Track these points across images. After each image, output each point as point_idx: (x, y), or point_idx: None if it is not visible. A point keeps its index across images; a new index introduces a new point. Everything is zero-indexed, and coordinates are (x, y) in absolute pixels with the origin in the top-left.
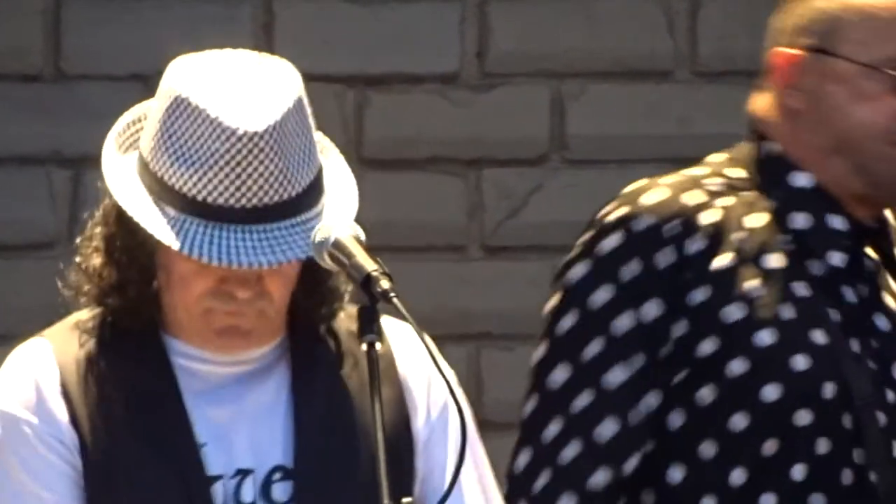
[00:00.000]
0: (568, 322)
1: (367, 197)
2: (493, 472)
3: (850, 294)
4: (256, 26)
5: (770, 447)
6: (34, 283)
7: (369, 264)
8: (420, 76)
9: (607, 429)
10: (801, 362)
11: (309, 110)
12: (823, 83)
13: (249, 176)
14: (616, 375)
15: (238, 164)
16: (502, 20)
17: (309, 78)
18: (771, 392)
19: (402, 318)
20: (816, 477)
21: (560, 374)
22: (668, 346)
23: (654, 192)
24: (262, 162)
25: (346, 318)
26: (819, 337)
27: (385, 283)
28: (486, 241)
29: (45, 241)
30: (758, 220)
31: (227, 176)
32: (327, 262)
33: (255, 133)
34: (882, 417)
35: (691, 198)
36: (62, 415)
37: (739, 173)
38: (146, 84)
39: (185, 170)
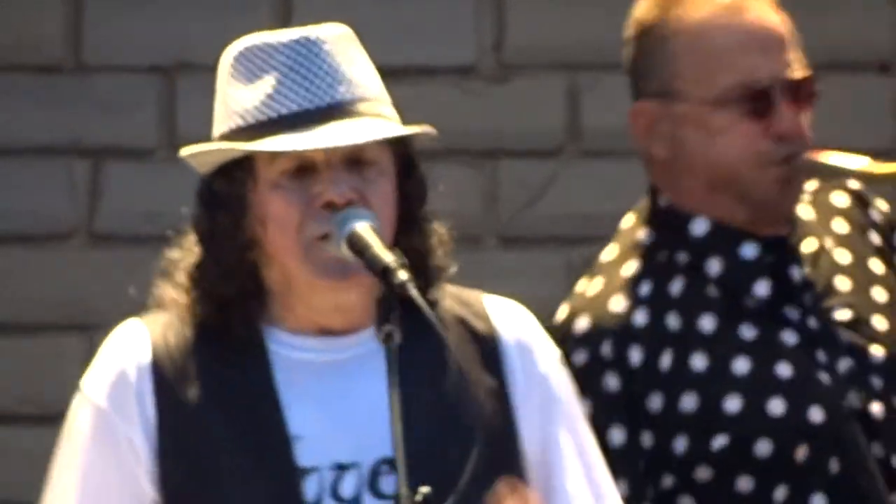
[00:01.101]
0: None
1: None
2: None
3: (792, 312)
4: (275, 17)
5: (781, 493)
6: (52, 272)
7: (386, 256)
8: (436, 68)
9: None
10: (776, 407)
11: (360, 48)
12: (676, 128)
13: (315, 75)
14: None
15: (301, 65)
16: (518, 12)
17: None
18: (763, 448)
19: (419, 309)
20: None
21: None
22: (643, 462)
23: (581, 320)
24: (324, 60)
25: (449, 298)
26: (784, 370)
27: (403, 275)
28: (502, 232)
29: (64, 232)
30: (677, 287)
31: (293, 81)
32: (345, 252)
33: (309, 38)
34: (859, 426)
35: (616, 306)
36: (149, 410)
37: (647, 235)
38: (166, 75)
39: (251, 96)
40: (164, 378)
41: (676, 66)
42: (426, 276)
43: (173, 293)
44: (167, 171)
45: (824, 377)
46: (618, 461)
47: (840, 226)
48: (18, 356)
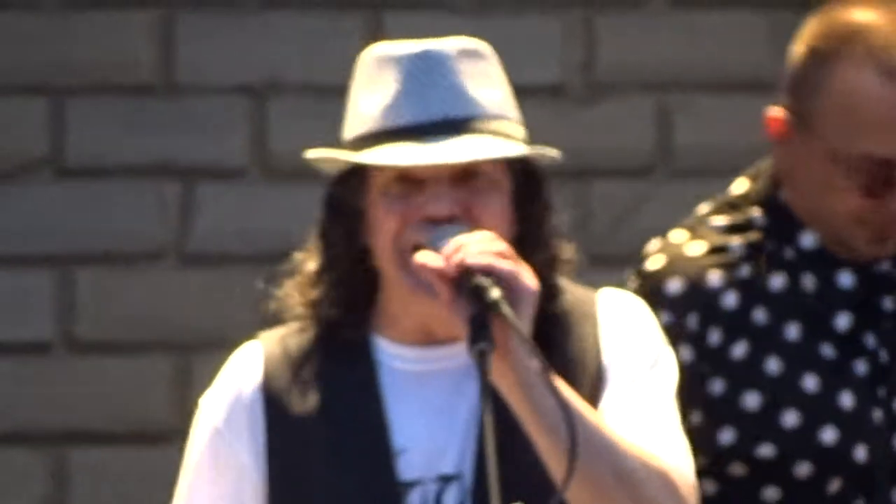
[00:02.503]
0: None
1: None
2: None
3: (871, 341)
4: (366, 38)
5: None
6: (143, 293)
7: (482, 280)
8: (527, 88)
9: None
10: (829, 435)
11: (495, 66)
12: (802, 149)
13: (433, 89)
14: None
15: (420, 78)
16: (607, 32)
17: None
18: (803, 469)
19: (512, 328)
20: None
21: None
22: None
23: (674, 281)
24: (444, 75)
25: (573, 300)
26: (846, 401)
27: (495, 293)
28: (593, 251)
29: (155, 252)
30: (776, 282)
31: (410, 93)
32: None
33: (432, 50)
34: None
35: (712, 280)
36: (259, 431)
37: (757, 217)
38: (256, 96)
39: (372, 105)
40: (274, 397)
41: (825, 107)
42: (545, 293)
43: (295, 296)
44: (258, 192)
45: (877, 415)
46: None
47: None
48: (112, 376)
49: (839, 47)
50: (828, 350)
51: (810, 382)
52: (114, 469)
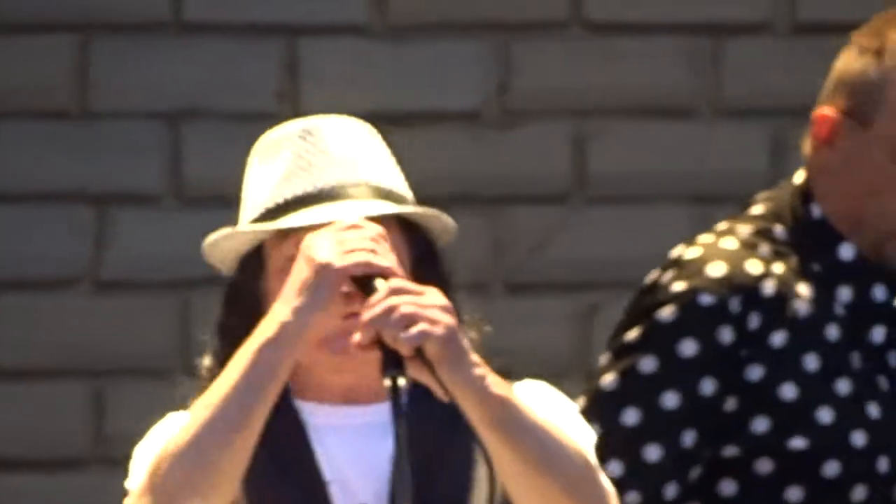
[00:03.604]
0: (609, 383)
1: None
2: None
3: (895, 358)
4: (281, 64)
5: None
6: (54, 319)
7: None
8: (443, 114)
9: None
10: (859, 439)
11: (386, 150)
12: (855, 152)
13: (319, 158)
14: (651, 453)
15: (308, 150)
16: (525, 58)
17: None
18: (831, 468)
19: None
20: None
21: (600, 431)
22: (717, 420)
23: (716, 265)
24: (323, 147)
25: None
26: (873, 411)
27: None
28: (509, 278)
29: (68, 279)
30: (808, 289)
31: (299, 166)
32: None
33: (308, 127)
34: None
35: (752, 268)
36: None
37: (782, 233)
38: (171, 122)
39: (268, 186)
40: None
41: (882, 98)
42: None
43: (208, 367)
44: (174, 218)
45: None
46: (702, 410)
47: None
48: (24, 402)
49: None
50: (856, 361)
51: (843, 386)
52: (30, 495)
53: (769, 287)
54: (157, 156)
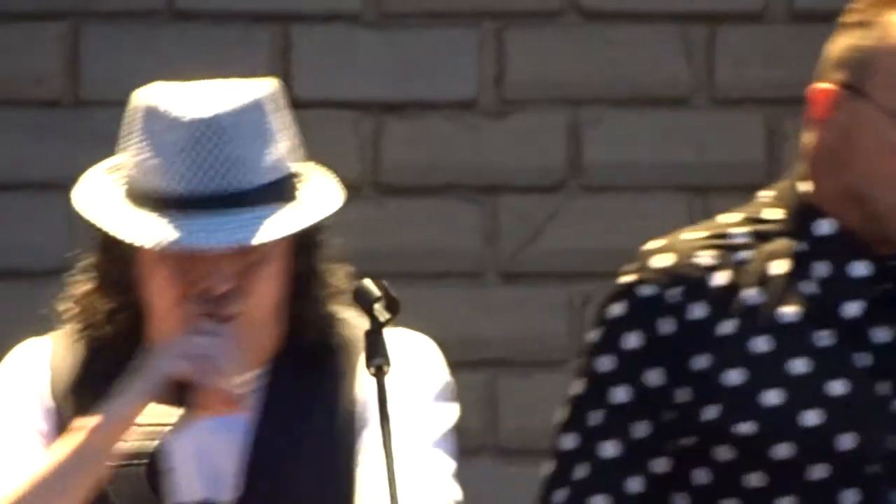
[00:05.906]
0: (578, 387)
1: (383, 223)
2: (509, 500)
3: (880, 335)
4: (274, 52)
5: (788, 502)
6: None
7: (374, 288)
8: (437, 102)
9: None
10: (812, 418)
11: (277, 116)
12: (853, 122)
13: (205, 160)
14: (608, 450)
15: (192, 149)
16: (519, 46)
17: (326, 104)
18: (783, 450)
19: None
20: None
21: (568, 441)
22: (672, 412)
23: (663, 256)
24: (216, 146)
25: (349, 327)
26: (837, 388)
27: (385, 315)
28: (503, 267)
29: (61, 268)
30: (778, 268)
31: (183, 162)
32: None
33: (203, 120)
34: (888, 469)
35: (702, 259)
36: (50, 411)
37: (777, 215)
38: None
39: (145, 166)
40: (57, 394)
41: (875, 65)
42: (320, 324)
43: (69, 314)
44: None
45: (874, 410)
46: (654, 402)
47: None
48: None
49: (888, 10)
50: (825, 339)
51: (799, 366)
52: None
53: (720, 278)
54: None
